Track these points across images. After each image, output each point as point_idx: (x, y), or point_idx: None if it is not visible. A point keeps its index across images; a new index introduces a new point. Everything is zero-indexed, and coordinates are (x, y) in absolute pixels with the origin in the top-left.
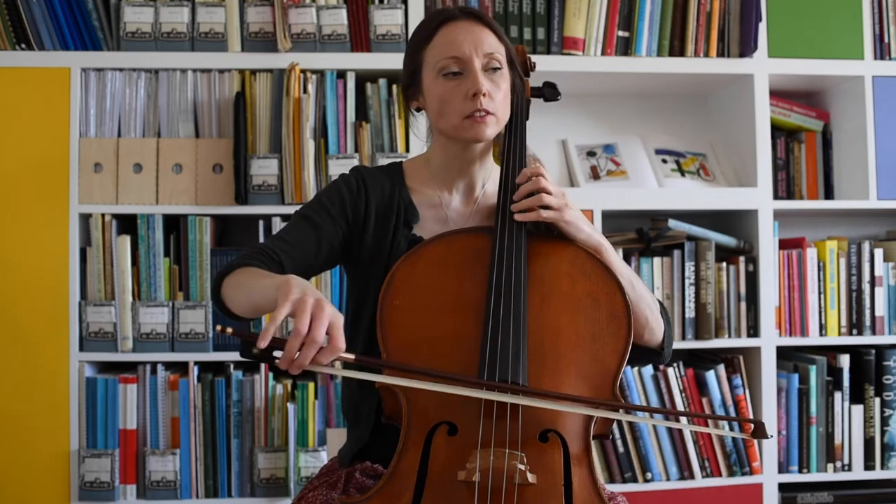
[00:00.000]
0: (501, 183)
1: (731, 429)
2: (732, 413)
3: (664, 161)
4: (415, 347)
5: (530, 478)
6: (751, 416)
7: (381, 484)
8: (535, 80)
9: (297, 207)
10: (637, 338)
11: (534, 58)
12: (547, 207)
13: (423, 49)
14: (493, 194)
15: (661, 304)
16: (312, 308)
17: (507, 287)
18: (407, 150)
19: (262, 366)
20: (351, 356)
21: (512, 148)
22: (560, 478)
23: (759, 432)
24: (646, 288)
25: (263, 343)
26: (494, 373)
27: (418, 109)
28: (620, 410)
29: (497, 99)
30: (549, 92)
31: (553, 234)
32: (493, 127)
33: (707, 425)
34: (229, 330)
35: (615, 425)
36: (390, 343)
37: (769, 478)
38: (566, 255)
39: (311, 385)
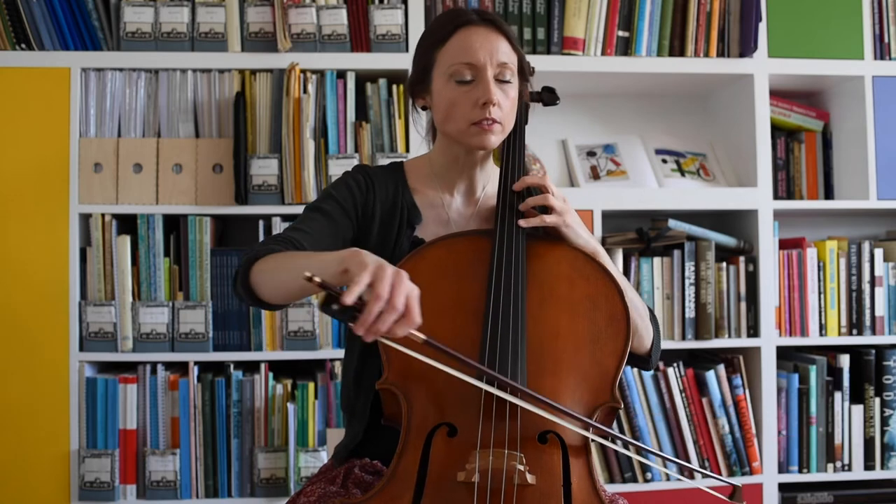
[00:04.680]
0: (500, 186)
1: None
2: (732, 413)
3: (664, 161)
4: (415, 350)
5: (529, 478)
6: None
7: (382, 485)
8: (534, 83)
9: (298, 207)
10: None
11: (534, 58)
12: (550, 210)
13: (436, 49)
14: (493, 196)
15: (651, 311)
16: (392, 277)
17: (507, 289)
18: (407, 150)
19: (262, 366)
20: (422, 336)
21: (511, 152)
22: (559, 479)
23: (736, 497)
24: (636, 295)
25: (350, 299)
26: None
27: (424, 108)
28: (613, 440)
29: (505, 108)
30: (548, 97)
31: (551, 237)
32: (499, 136)
33: (693, 477)
34: (317, 279)
35: (615, 425)
36: (391, 347)
37: (769, 478)
38: (565, 257)
39: (311, 385)
